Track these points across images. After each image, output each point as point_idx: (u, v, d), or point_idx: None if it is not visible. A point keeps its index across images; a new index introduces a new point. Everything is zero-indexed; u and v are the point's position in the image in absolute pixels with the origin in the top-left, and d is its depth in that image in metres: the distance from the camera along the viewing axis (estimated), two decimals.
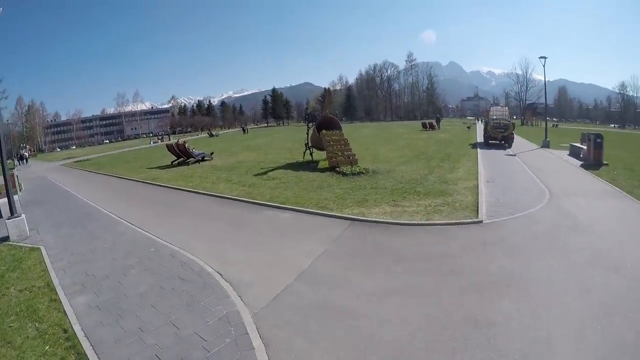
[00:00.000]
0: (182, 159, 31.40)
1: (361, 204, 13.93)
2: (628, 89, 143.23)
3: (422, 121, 76.78)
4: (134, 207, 16.80)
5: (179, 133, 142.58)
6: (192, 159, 30.82)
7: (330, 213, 12.95)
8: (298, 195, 16.02)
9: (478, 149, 31.99)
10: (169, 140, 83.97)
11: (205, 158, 31.96)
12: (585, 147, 23.39)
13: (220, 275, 8.61)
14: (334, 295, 7.43)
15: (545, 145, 33.54)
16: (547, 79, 37.87)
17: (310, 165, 23.96)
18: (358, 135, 50.59)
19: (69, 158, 59.31)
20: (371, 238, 10.62)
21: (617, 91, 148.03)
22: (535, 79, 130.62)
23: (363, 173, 19.80)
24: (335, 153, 22.32)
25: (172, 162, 31.28)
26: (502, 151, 31.04)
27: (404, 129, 68.63)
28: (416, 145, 36.01)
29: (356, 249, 9.84)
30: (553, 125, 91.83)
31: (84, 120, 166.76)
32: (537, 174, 19.72)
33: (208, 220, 13.59)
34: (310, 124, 26.53)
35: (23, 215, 13.11)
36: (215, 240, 11.32)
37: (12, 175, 21.95)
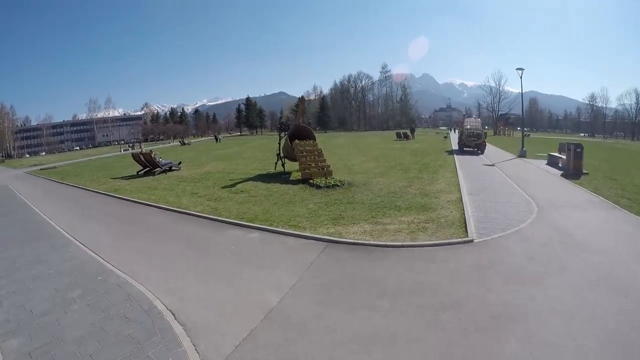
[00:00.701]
0: (148, 168, 29.80)
1: (337, 222, 12.73)
2: (597, 100, 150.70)
3: (396, 131, 76.50)
4: (90, 224, 15.30)
5: (150, 141, 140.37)
6: (158, 169, 29.21)
7: (303, 233, 11.66)
8: (268, 211, 14.73)
9: (455, 157, 31.52)
10: (140, 148, 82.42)
11: (173, 168, 30.42)
12: (564, 157, 23.23)
13: (173, 315, 7.21)
14: (307, 344, 6.09)
15: (522, 154, 33.52)
16: (517, 91, 38.29)
17: (282, 177, 22.67)
18: (332, 144, 49.69)
19: (35, 165, 56.58)
20: (350, 264, 9.34)
21: (587, 102, 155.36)
22: (507, 91, 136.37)
23: (338, 185, 18.64)
24: (309, 164, 21.10)
25: (137, 172, 29.85)
26: (479, 161, 30.42)
27: (378, 138, 68.15)
28: (391, 155, 35.17)
29: (333, 279, 8.54)
30: (525, 135, 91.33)
31: (54, 126, 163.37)
32: (519, 184, 18.87)
33: (166, 242, 12.11)
34: (283, 134, 25.15)
35: None
36: (172, 267, 9.87)
37: None
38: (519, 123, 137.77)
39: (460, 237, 10.70)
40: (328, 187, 18.39)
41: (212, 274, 9.29)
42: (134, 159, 31.07)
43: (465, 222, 12.08)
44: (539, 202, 14.86)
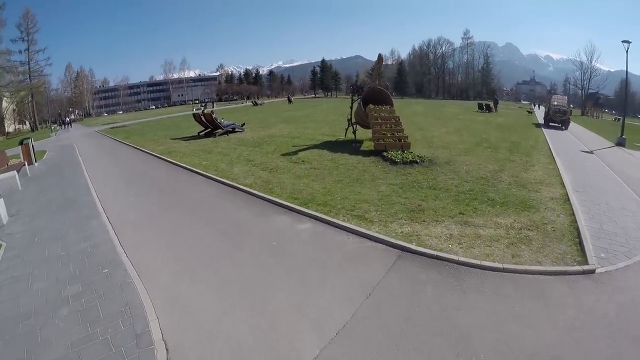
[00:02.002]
0: (209, 129, 28.14)
1: (415, 216, 9.78)
2: None
3: (478, 102, 70.29)
4: (128, 192, 13.96)
5: (225, 101, 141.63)
6: (219, 130, 27.25)
7: (369, 232, 8.80)
8: (329, 191, 12.01)
9: (546, 137, 26.93)
10: (212, 107, 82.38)
11: (236, 130, 28.64)
12: None
13: (167, 351, 5.17)
14: None
15: (620, 142, 28.81)
16: (608, 69, 32.93)
17: (351, 146, 19.69)
18: (409, 112, 45.40)
19: (108, 124, 57.63)
20: (430, 295, 6.39)
21: None
22: (597, 68, 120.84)
23: (417, 162, 15.42)
24: (384, 134, 17.99)
25: (198, 133, 28.44)
26: (575, 145, 25.92)
27: (458, 108, 62.37)
28: (475, 129, 30.74)
29: (406, 319, 5.71)
30: (615, 119, 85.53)
31: (131, 87, 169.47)
32: (629, 184, 14.76)
33: (198, 224, 9.95)
34: (356, 97, 22.00)
35: (1, 200, 11.37)
36: (191, 266, 7.67)
37: (26, 145, 21.36)
38: (609, 105, 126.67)
39: (576, 263, 7.55)
40: (405, 163, 15.29)
41: (237, 287, 6.83)
42: (195, 120, 29.53)
43: (579, 236, 8.79)
44: None
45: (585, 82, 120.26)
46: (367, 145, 19.39)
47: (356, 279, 6.86)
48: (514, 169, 15.53)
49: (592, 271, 7.15)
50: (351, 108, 21.75)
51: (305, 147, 20.03)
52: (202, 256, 8.01)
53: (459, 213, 10.00)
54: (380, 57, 20.99)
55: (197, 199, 12.13)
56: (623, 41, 30.35)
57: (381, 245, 8.24)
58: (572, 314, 5.84)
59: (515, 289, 6.52)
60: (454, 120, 37.47)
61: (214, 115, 28.08)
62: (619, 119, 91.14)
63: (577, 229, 9.04)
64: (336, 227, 9.24)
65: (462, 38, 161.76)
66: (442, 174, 13.98)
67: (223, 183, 13.82)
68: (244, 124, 30.30)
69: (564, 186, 13.06)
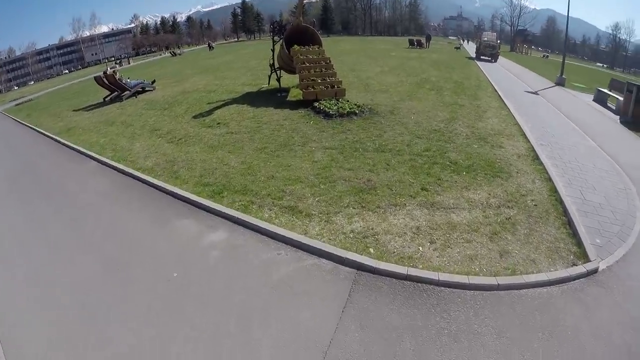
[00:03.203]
0: (115, 93, 24.03)
1: (366, 199, 7.53)
2: (622, 32, 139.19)
3: (408, 38, 67.53)
4: None
5: (142, 54, 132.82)
6: (127, 92, 23.41)
7: (308, 241, 6.37)
8: (249, 166, 9.41)
9: (489, 79, 24.88)
10: (129, 63, 76.62)
11: (146, 89, 24.76)
12: (620, 98, 18.48)
13: None
14: None
15: (560, 82, 28.01)
16: (534, 7, 32.09)
17: (276, 97, 16.85)
18: (338, 50, 42.08)
19: (15, 100, 50.93)
20: (411, 349, 4.30)
21: (610, 32, 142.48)
22: (524, 5, 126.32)
23: (355, 113, 12.93)
24: (313, 79, 15.14)
25: (104, 99, 24.25)
26: (517, 86, 24.18)
27: (388, 44, 59.28)
28: (411, 67, 28.22)
29: None
30: (543, 56, 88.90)
31: (39, 52, 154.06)
32: (586, 132, 13.33)
33: (75, 253, 7.03)
34: (277, 38, 18.79)
35: None
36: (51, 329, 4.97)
37: None
38: (536, 42, 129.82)
39: (573, 256, 6.14)
40: (341, 115, 12.75)
41: None
42: (98, 84, 24.94)
43: (565, 213, 7.28)
44: (629, 173, 9.78)
45: (514, 19, 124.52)
46: (295, 95, 16.61)
47: (296, 337, 4.48)
48: (466, 116, 13.56)
49: (595, 270, 5.86)
50: (273, 51, 18.62)
51: (222, 103, 16.91)
52: (76, 320, 5.20)
53: (422, 189, 7.86)
54: None
55: (82, 203, 9.10)
56: None
57: (327, 262, 5.86)
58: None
59: (521, 321, 4.74)
60: (387, 58, 34.72)
61: (117, 76, 24.02)
62: (547, 56, 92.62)
63: (560, 202, 7.73)
64: (260, 233, 6.71)
65: None
66: (388, 127, 11.64)
67: (118, 170, 10.85)
68: (154, 80, 26.36)
69: (526, 138, 11.58)
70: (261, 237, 6.57)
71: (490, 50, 42.85)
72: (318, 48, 16.60)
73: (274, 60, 18.37)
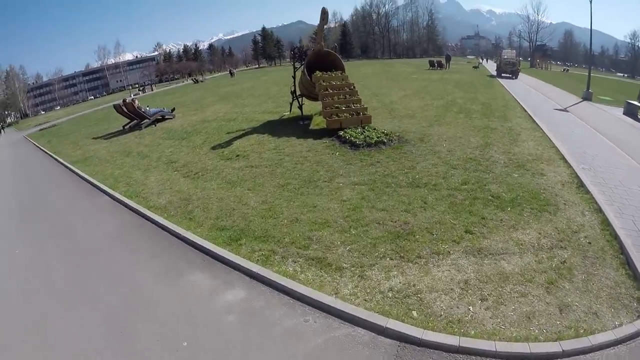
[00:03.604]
0: (135, 121, 23.68)
1: (404, 247, 6.56)
2: None
3: (428, 59, 66.74)
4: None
5: (165, 81, 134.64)
6: (146, 121, 22.98)
7: (340, 305, 5.37)
8: (270, 206, 8.52)
9: (515, 97, 23.90)
10: (152, 90, 77.38)
11: (166, 117, 24.34)
12: None
13: None
14: None
15: (587, 97, 26.98)
16: (550, 22, 31.70)
17: (299, 126, 16.07)
18: (359, 74, 40.84)
19: (40, 124, 51.37)
20: None
21: (628, 40, 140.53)
22: (541, 20, 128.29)
23: (384, 142, 12.01)
24: (337, 107, 14.29)
25: (123, 127, 23.89)
26: (545, 103, 23.37)
27: (408, 67, 58.44)
28: (435, 89, 27.38)
29: None
30: (563, 70, 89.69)
31: (66, 78, 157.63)
32: (623, 149, 12.57)
33: (74, 310, 6.19)
34: (299, 64, 17.89)
35: None
36: None
37: None
38: (555, 56, 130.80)
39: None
40: (369, 145, 11.84)
41: None
42: (117, 112, 24.59)
43: (621, 249, 6.45)
44: None
45: (532, 35, 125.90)
46: (318, 123, 15.80)
47: None
48: (500, 140, 12.62)
49: None
50: (294, 78, 17.91)
51: (242, 132, 16.22)
52: None
53: (465, 231, 6.87)
54: (324, 11, 16.66)
55: (90, 247, 8.30)
56: None
57: (363, 331, 4.87)
58: None
59: None
60: (409, 81, 34.03)
61: (136, 104, 23.68)
62: (567, 70, 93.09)
63: (615, 236, 6.84)
64: (284, 293, 5.74)
65: None
66: (420, 157, 10.69)
67: (130, 208, 10.08)
68: (173, 108, 25.93)
69: (566, 162, 10.67)
70: (285, 297, 5.60)
71: (511, 67, 43.51)
72: (341, 74, 15.80)
73: (295, 87, 17.64)
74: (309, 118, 16.91)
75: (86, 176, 14.19)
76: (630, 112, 20.53)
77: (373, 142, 11.85)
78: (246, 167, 11.34)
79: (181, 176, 11.66)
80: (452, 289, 5.42)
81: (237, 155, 12.58)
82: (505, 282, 5.54)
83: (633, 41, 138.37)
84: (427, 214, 7.42)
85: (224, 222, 7.99)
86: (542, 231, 6.87)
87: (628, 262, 6.05)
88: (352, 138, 12.25)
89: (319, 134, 13.95)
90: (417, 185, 8.81)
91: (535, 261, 6.04)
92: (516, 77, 42.01)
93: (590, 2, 27.07)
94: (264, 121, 18.07)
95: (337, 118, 13.79)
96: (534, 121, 15.94)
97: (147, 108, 24.39)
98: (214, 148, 14.23)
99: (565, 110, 21.18)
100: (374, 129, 13.22)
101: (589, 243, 6.58)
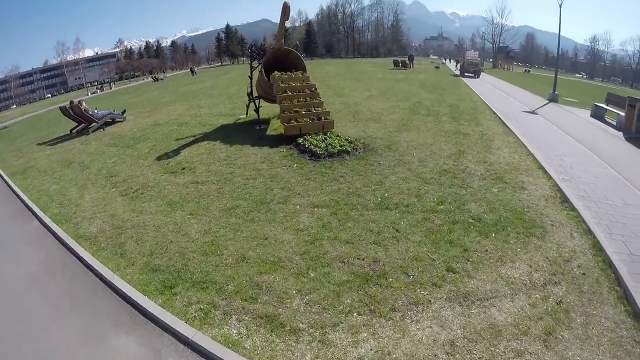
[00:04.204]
0: (83, 124, 21.86)
1: (375, 295, 5.40)
2: (600, 43, 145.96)
3: (393, 59, 66.09)
4: None
5: (125, 79, 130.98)
6: (94, 125, 21.19)
7: None
8: (214, 238, 7.17)
9: (482, 98, 23.61)
10: (110, 88, 75.03)
11: (116, 120, 22.68)
12: (621, 114, 17.81)
13: None
14: None
15: (553, 98, 27.26)
16: (512, 25, 33.33)
17: (254, 130, 14.75)
18: (321, 73, 40.18)
19: None
20: None
21: (588, 44, 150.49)
22: (504, 24, 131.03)
23: (348, 152, 10.85)
24: (296, 111, 12.99)
25: (70, 131, 22.04)
26: (513, 105, 22.96)
27: (373, 66, 58.05)
28: (401, 89, 26.51)
29: None
30: (525, 71, 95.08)
31: (22, 75, 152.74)
32: (600, 155, 12.30)
33: None
34: (256, 63, 16.49)
35: None
36: None
37: None
38: (516, 57, 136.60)
39: None
40: (331, 155, 10.63)
41: None
42: (64, 114, 22.62)
43: (617, 281, 5.78)
44: None
45: (496, 37, 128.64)
46: (276, 127, 14.51)
47: None
48: (474, 147, 11.84)
49: None
50: (251, 78, 16.49)
51: (193, 139, 14.73)
52: None
53: (447, 269, 5.83)
54: (285, 6, 15.00)
55: (3, 291, 6.72)
56: None
57: None
58: None
59: None
60: (374, 81, 33.08)
61: (83, 107, 21.84)
62: (529, 71, 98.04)
63: (610, 264, 6.16)
64: None
65: None
66: (388, 170, 9.58)
67: (57, 238, 8.54)
68: (124, 111, 24.06)
69: (545, 172, 10.07)
70: None
71: (473, 68, 47.28)
72: (302, 74, 14.55)
73: (252, 88, 16.25)
74: (267, 122, 15.61)
75: (20, 193, 12.51)
76: (597, 115, 20.46)
77: (336, 151, 10.65)
78: (191, 183, 9.93)
79: (119, 194, 10.19)
80: (436, 356, 4.28)
81: (183, 169, 11.13)
82: (498, 339, 4.53)
83: (593, 44, 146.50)
84: (401, 247, 6.27)
85: (158, 260, 6.62)
86: (533, 263, 5.94)
87: (626, 296, 5.43)
88: (313, 147, 11.01)
89: (276, 141, 12.69)
90: (386, 206, 7.64)
91: (530, 305, 5.08)
92: (478, 77, 45.45)
93: (560, 6, 27.02)
94: (218, 125, 16.61)
95: (296, 123, 12.48)
96: (505, 125, 15.37)
97: (95, 111, 22.55)
98: (159, 158, 12.74)
99: (534, 112, 20.83)
100: (337, 135, 12.04)
101: (583, 274, 5.83)
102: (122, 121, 22.67)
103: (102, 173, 12.47)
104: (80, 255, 7.48)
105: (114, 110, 23.81)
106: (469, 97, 23.65)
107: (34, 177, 14.13)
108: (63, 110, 22.54)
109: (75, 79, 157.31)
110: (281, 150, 11.64)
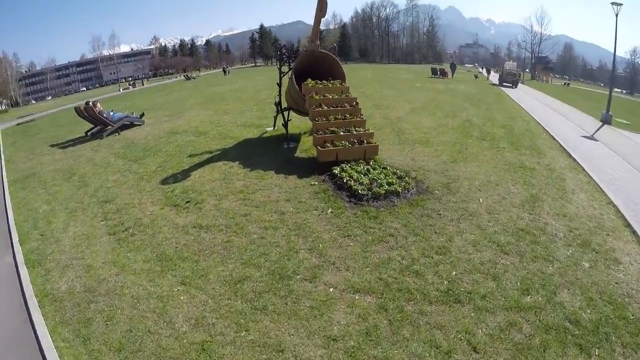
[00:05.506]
0: (98, 127, 20.37)
1: None
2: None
3: (431, 66, 63.03)
4: None
5: (159, 76, 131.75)
6: (109, 128, 19.48)
7: None
8: (208, 338, 4.96)
9: (534, 116, 21.17)
10: (142, 85, 74.86)
11: (135, 123, 21.01)
12: None
13: None
14: None
15: (606, 120, 24.26)
16: (550, 34, 30.42)
17: (282, 149, 12.53)
18: (357, 79, 37.00)
19: (22, 117, 47.35)
20: None
21: (628, 57, 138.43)
22: (545, 33, 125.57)
23: (398, 193, 8.40)
24: (332, 131, 10.58)
25: (86, 133, 20.55)
26: (571, 130, 19.84)
27: (409, 73, 55.00)
28: (445, 103, 23.84)
29: None
30: (564, 84, 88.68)
31: (59, 68, 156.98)
32: None
33: None
34: (285, 67, 14.05)
35: None
36: None
37: None
38: (555, 69, 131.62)
39: None
40: (376, 197, 8.24)
41: None
42: (79, 116, 21.26)
43: None
44: None
45: (534, 46, 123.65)
46: (307, 148, 12.23)
47: None
48: (546, 191, 9.54)
49: None
50: (279, 85, 14.21)
51: (209, 156, 12.62)
52: None
53: None
54: (322, 0, 12.37)
55: None
56: (612, 3, 24.54)
57: None
58: None
59: None
60: (414, 90, 30.55)
61: (97, 109, 20.07)
62: (568, 84, 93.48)
63: None
64: None
65: (407, 0, 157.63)
66: (452, 226, 7.24)
67: (22, 292, 6.70)
68: (143, 114, 22.27)
69: (634, 233, 7.66)
70: None
71: (512, 78, 48.00)
72: (340, 84, 12.13)
73: (280, 98, 13.99)
74: (296, 139, 13.33)
75: (10, 211, 11.08)
76: None
77: (383, 192, 8.25)
78: (193, 227, 7.77)
79: (106, 232, 8.18)
80: None
81: (188, 201, 8.98)
82: None
83: (633, 57, 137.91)
84: None
85: None
86: None
87: None
88: (353, 182, 8.66)
89: (306, 167, 10.41)
90: (456, 298, 5.29)
91: None
92: (516, 87, 46.39)
93: (616, 16, 24.13)
94: (241, 139, 14.40)
95: (332, 147, 10.11)
96: (570, 155, 13.04)
97: (111, 113, 20.85)
98: (165, 181, 10.66)
99: (592, 138, 18.36)
100: (383, 168, 9.66)
101: None
102: (140, 125, 21.10)
103: (98, 195, 10.58)
104: (36, 329, 5.53)
105: (132, 113, 22.15)
106: (519, 115, 21.34)
107: (31, 188, 12.71)
108: (77, 111, 21.10)
109: (110, 73, 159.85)
110: (312, 182, 9.36)
